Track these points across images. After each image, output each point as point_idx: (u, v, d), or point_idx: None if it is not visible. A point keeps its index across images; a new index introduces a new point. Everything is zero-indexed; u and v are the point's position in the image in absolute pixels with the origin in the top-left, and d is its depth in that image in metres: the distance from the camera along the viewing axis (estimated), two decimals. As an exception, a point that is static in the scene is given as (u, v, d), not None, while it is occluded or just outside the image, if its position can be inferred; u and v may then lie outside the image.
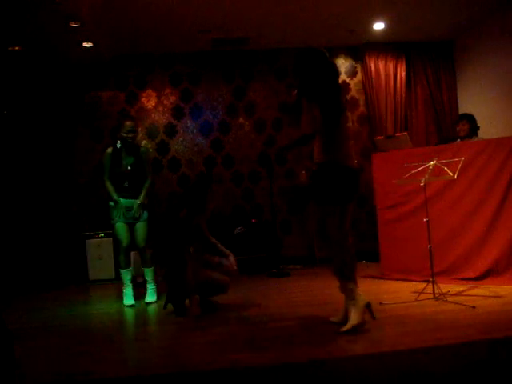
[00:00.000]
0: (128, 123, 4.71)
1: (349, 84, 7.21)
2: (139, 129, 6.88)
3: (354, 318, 2.99)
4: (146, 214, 4.73)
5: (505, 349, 2.60)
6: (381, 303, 3.79)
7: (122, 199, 4.62)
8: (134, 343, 3.17)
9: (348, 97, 7.19)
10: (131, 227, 4.66)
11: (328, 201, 3.07)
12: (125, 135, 4.65)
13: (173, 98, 6.98)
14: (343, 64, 7.23)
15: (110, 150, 4.71)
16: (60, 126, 6.71)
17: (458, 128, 5.43)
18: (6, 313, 3.76)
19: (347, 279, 3.06)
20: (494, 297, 3.79)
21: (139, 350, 2.97)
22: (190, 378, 2.46)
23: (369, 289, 4.56)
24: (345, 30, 6.54)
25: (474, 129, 5.37)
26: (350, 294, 3.05)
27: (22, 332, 3.50)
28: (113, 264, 6.21)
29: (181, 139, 6.94)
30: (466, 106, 6.94)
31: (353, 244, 3.17)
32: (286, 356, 2.65)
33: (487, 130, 5.60)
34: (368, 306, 3.06)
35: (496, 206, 4.32)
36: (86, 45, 6.17)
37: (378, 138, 5.49)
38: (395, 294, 4.13)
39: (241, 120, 7.04)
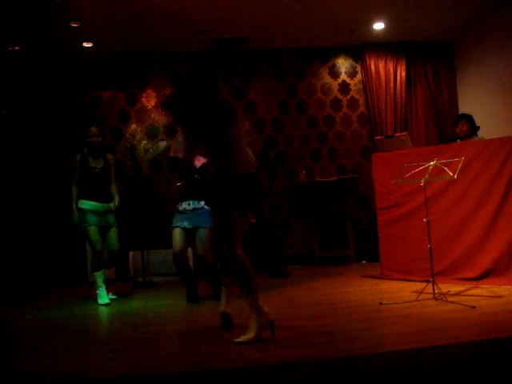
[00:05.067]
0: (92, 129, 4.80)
1: (349, 84, 7.21)
2: (139, 129, 6.89)
3: (251, 332, 2.87)
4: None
5: (505, 349, 2.60)
6: (381, 303, 3.80)
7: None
8: (135, 343, 3.17)
9: (348, 97, 7.20)
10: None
11: (227, 207, 2.98)
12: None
13: (173, 98, 6.96)
14: (343, 64, 7.23)
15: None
16: (60, 126, 6.70)
17: (457, 129, 5.44)
18: (7, 313, 3.77)
19: (253, 292, 2.94)
20: (494, 297, 3.79)
21: (140, 350, 2.96)
22: (191, 378, 2.46)
23: (369, 289, 4.58)
24: (345, 30, 6.55)
25: (473, 128, 5.37)
26: (257, 309, 2.89)
27: (22, 332, 3.50)
28: (113, 264, 6.20)
29: (181, 139, 6.91)
30: (466, 106, 6.94)
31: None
32: (286, 356, 2.66)
33: (487, 129, 5.60)
34: (271, 325, 2.89)
35: (496, 205, 4.32)
36: (85, 45, 6.16)
37: (378, 138, 5.49)
38: (395, 294, 4.13)
39: (241, 120, 7.02)
